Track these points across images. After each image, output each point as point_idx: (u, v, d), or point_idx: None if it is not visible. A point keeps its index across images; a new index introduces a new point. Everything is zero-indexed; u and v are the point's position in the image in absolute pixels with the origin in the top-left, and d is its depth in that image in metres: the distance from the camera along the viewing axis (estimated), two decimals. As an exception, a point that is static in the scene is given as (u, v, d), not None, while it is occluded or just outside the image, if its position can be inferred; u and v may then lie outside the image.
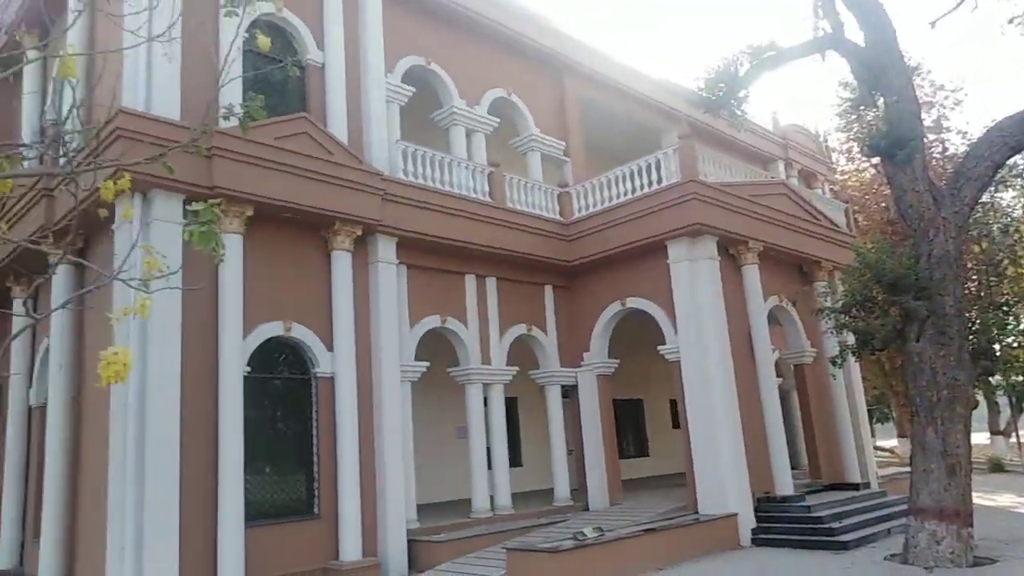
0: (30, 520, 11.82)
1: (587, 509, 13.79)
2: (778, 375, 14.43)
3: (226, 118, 4.81)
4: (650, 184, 13.69)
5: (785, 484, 12.99)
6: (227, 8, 3.58)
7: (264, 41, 4.01)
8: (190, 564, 9.01)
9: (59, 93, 11.77)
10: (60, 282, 10.77)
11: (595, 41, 19.20)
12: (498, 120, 14.98)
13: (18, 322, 11.98)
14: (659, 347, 13.42)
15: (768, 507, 12.60)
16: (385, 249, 11.91)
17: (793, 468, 13.88)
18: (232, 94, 9.79)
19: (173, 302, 9.21)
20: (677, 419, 15.47)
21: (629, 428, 20.56)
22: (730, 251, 13.64)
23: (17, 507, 12.20)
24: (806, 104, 73.61)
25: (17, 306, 12.41)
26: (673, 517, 12.09)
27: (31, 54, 11.87)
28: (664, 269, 13.25)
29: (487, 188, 13.72)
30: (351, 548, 10.39)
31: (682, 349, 12.94)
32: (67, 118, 3.51)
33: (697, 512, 12.27)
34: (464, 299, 13.28)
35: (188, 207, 3.27)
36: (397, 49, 13.31)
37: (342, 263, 11.30)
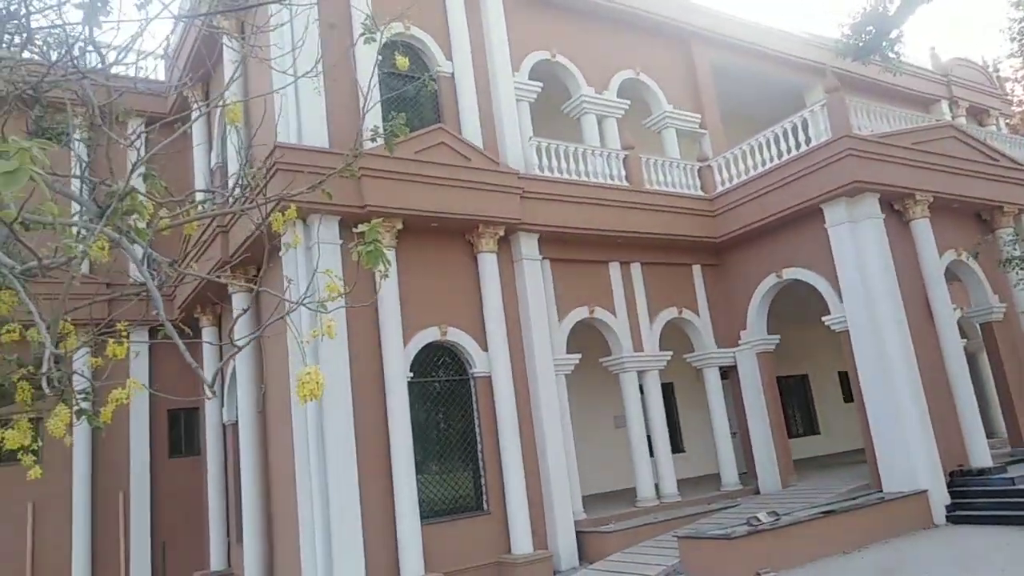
0: (232, 525, 13.06)
1: (758, 493, 13.28)
2: (962, 336, 13.18)
3: (372, 140, 5.05)
4: (798, 146, 12.93)
5: (981, 455, 11.87)
6: (366, 36, 3.74)
7: (403, 61, 4.16)
8: (375, 561, 9.58)
9: (224, 139, 12.86)
10: (241, 308, 11.76)
11: (720, 3, 18.39)
12: (628, 102, 14.72)
13: (206, 348, 13.27)
14: (823, 317, 12.66)
15: (963, 481, 11.57)
16: (528, 246, 12.04)
17: (989, 437, 12.63)
18: (373, 115, 10.28)
19: (339, 319, 9.81)
20: (849, 392, 14.55)
21: (795, 405, 19.57)
22: (895, 207, 12.62)
23: (221, 514, 13.54)
24: (970, 33, 66.24)
25: (205, 334, 13.73)
26: (855, 497, 11.36)
27: (201, 108, 13.11)
28: (822, 234, 12.47)
29: (623, 173, 13.51)
30: (522, 541, 10.61)
31: (849, 317, 12.13)
32: (245, 161, 3.81)
33: (881, 490, 11.47)
34: (610, 288, 13.16)
35: (354, 229, 3.44)
36: (521, 47, 13.40)
37: (488, 264, 11.54)
